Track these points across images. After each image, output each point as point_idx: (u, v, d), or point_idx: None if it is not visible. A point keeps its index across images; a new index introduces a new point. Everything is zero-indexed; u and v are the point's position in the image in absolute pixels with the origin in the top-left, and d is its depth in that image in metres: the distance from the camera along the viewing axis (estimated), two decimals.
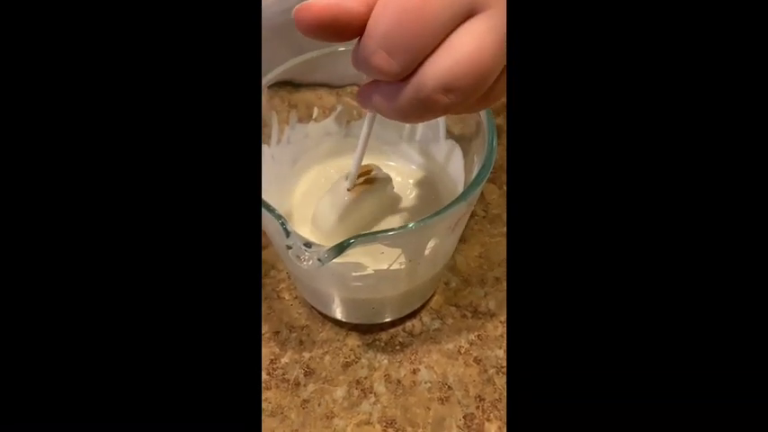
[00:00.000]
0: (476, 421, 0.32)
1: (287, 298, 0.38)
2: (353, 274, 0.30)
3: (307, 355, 0.35)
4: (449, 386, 0.34)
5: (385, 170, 0.35)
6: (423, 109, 0.21)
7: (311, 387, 0.34)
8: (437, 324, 0.37)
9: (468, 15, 0.19)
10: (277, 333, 0.36)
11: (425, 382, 0.34)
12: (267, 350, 0.36)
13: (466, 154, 0.34)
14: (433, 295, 0.38)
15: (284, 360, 0.35)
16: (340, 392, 0.34)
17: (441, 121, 0.35)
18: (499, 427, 0.32)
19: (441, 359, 0.35)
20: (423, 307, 0.37)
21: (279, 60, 0.32)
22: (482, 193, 0.43)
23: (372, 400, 0.33)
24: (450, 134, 0.35)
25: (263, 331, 0.36)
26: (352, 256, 0.26)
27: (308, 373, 0.35)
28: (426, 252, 0.30)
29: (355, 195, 0.32)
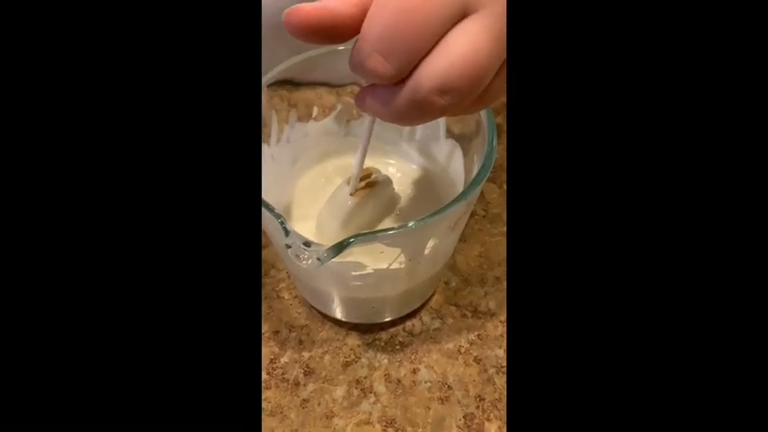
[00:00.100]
0: (476, 421, 0.32)
1: (286, 297, 0.38)
2: (353, 273, 0.30)
3: (306, 354, 0.35)
4: (449, 386, 0.34)
5: (385, 170, 0.35)
6: (419, 111, 0.21)
7: (311, 387, 0.34)
8: (437, 324, 0.37)
9: (462, 16, 0.19)
10: (277, 332, 0.36)
11: (425, 382, 0.34)
12: (267, 350, 0.36)
13: (466, 153, 0.34)
14: (433, 295, 0.38)
15: (284, 359, 0.35)
16: (340, 392, 0.34)
17: (441, 120, 0.35)
18: (499, 427, 0.32)
19: (441, 359, 0.35)
20: (423, 306, 0.37)
21: (278, 59, 0.32)
22: (482, 193, 0.43)
23: (372, 399, 0.33)
24: (450, 133, 0.35)
25: (262, 331, 0.36)
26: (351, 255, 0.26)
27: (308, 372, 0.35)
28: (426, 251, 0.30)
29: (358, 200, 0.32)
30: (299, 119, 0.36)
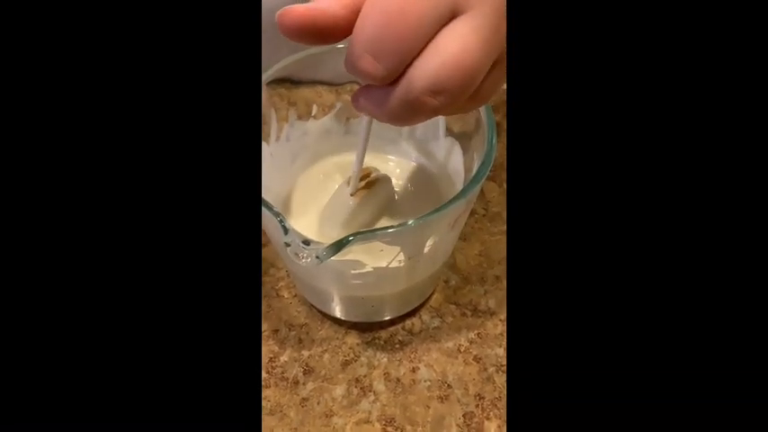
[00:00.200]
0: (475, 420, 0.32)
1: (286, 296, 0.38)
2: (352, 271, 0.30)
3: (306, 353, 0.35)
4: (448, 385, 0.34)
5: (385, 167, 0.35)
6: (412, 111, 0.21)
7: (310, 385, 0.34)
8: (437, 322, 0.37)
9: (451, 17, 0.19)
10: (276, 331, 0.36)
11: (425, 381, 0.34)
12: (266, 348, 0.35)
13: (465, 151, 0.34)
14: (432, 293, 0.38)
15: (283, 358, 0.35)
16: (339, 391, 0.34)
17: (440, 118, 0.35)
18: (499, 426, 0.32)
19: (440, 357, 0.35)
20: (422, 305, 0.37)
21: (278, 57, 0.32)
22: (482, 192, 0.43)
23: (372, 398, 0.33)
24: (449, 132, 0.35)
25: (262, 329, 0.36)
26: (351, 253, 0.26)
27: (308, 371, 0.35)
28: (426, 250, 0.30)
29: (358, 200, 0.32)
30: (299, 117, 0.36)
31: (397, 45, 0.19)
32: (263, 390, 0.34)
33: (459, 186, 0.33)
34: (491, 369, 0.34)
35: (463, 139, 0.34)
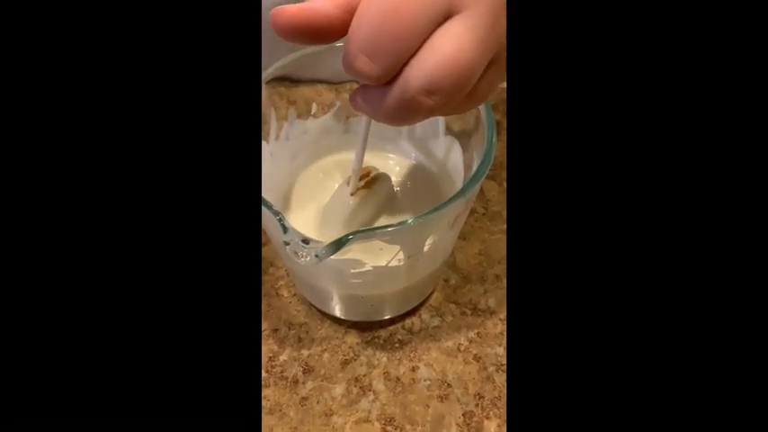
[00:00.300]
0: (475, 419, 0.32)
1: (285, 295, 0.38)
2: (352, 270, 0.30)
3: (305, 352, 0.35)
4: (448, 384, 0.34)
5: (384, 166, 0.34)
6: (408, 111, 0.21)
7: (310, 385, 0.34)
8: (436, 321, 0.37)
9: (446, 17, 0.19)
10: (276, 330, 0.36)
11: (425, 380, 0.34)
12: (266, 347, 0.35)
13: (465, 150, 0.34)
14: (432, 292, 0.38)
15: (283, 357, 0.35)
16: (339, 390, 0.34)
17: (440, 117, 0.35)
18: (498, 425, 0.32)
19: (440, 357, 0.35)
20: (422, 304, 0.37)
21: (277, 56, 0.32)
22: (482, 190, 0.43)
23: (371, 397, 0.33)
24: (449, 130, 0.35)
25: (261, 328, 0.36)
26: (350, 252, 0.26)
27: (307, 370, 0.34)
28: (425, 248, 0.30)
29: (359, 199, 0.32)
30: (299, 116, 0.36)
31: (393, 45, 0.19)
32: (262, 389, 0.34)
33: (459, 185, 0.33)
34: (491, 368, 0.34)
35: (463, 137, 0.34)
